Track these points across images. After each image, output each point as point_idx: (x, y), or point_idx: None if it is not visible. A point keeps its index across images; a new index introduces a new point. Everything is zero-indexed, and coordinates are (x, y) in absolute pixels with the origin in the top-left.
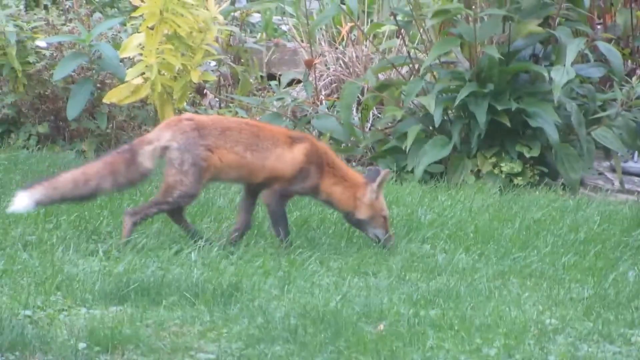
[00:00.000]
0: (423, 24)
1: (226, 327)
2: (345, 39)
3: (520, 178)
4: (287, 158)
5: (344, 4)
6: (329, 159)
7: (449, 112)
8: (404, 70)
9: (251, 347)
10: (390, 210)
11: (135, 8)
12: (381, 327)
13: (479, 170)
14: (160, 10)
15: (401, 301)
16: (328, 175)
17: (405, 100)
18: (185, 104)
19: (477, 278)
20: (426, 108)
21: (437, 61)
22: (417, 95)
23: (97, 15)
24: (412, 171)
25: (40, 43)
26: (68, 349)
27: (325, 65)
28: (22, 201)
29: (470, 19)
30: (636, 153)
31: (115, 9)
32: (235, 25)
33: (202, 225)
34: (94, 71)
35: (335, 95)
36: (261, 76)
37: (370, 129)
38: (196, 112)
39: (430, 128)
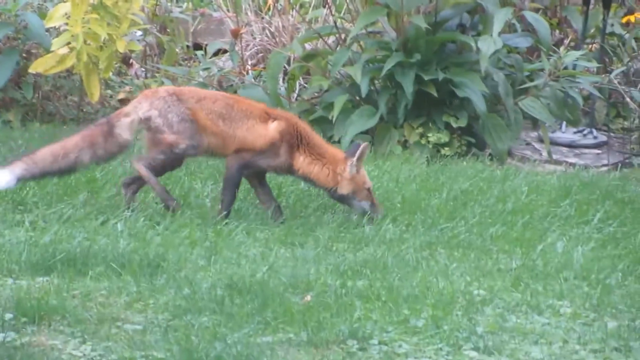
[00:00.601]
0: None
1: (153, 298)
2: (271, 8)
3: (447, 148)
4: (259, 131)
5: None
6: (306, 138)
7: (376, 82)
8: (331, 40)
9: (178, 318)
10: None
11: None
12: (308, 297)
13: (405, 141)
14: None
15: (328, 272)
16: (303, 155)
17: (331, 70)
18: (111, 73)
19: (405, 249)
20: (353, 78)
21: (363, 31)
22: (343, 65)
23: None
24: (339, 141)
25: None
26: None
27: (252, 35)
28: (4, 177)
29: None
30: (564, 123)
31: None
32: None
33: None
34: (19, 41)
35: (262, 65)
36: (187, 46)
37: (296, 99)
38: (122, 82)
39: (357, 98)
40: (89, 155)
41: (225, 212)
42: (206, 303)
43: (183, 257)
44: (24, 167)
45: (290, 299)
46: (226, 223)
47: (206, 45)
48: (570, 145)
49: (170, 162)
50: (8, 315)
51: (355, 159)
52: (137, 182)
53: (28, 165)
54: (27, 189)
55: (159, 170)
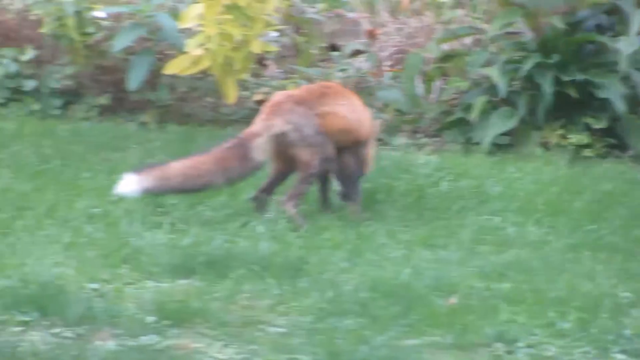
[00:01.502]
0: None
1: (296, 300)
2: (407, 9)
3: (589, 150)
4: (367, 116)
5: None
6: None
7: (514, 83)
8: (468, 40)
9: (321, 321)
10: (458, 182)
11: None
12: (453, 300)
13: (546, 142)
14: None
15: (472, 274)
16: None
17: (469, 71)
18: (246, 75)
19: (549, 251)
20: (491, 79)
21: (501, 31)
22: (481, 66)
23: None
24: (478, 143)
25: (99, 14)
26: (137, 323)
27: (388, 35)
28: (130, 184)
29: None
30: None
31: None
32: None
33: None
34: (153, 42)
35: (399, 67)
36: (323, 47)
37: (435, 101)
38: (258, 83)
39: (496, 99)
40: (221, 179)
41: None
42: (350, 305)
43: (325, 260)
44: (152, 182)
45: (434, 301)
46: (368, 225)
47: (342, 46)
48: None
49: (311, 184)
50: (150, 319)
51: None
52: (265, 194)
53: (158, 179)
54: None
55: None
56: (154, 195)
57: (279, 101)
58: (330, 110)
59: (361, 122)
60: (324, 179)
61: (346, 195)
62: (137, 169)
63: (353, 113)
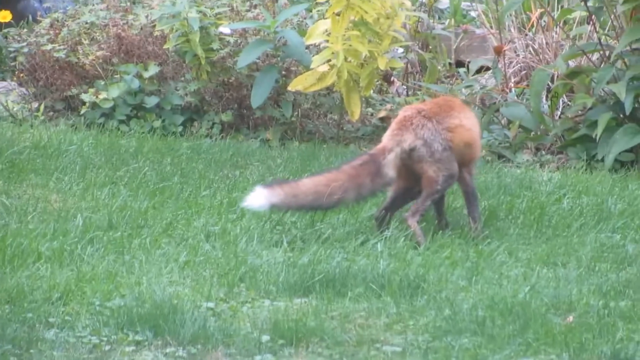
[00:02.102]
0: (614, 10)
1: (413, 319)
2: (534, 25)
3: None
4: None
5: None
6: None
7: None
8: (595, 57)
9: (438, 340)
10: (580, 199)
11: None
12: (570, 318)
13: None
14: None
15: (590, 292)
16: None
17: (595, 87)
18: (371, 91)
19: None
20: (617, 95)
21: (628, 48)
22: (607, 83)
23: (283, 0)
24: (602, 160)
25: (224, 29)
26: (251, 342)
27: (515, 52)
28: (259, 199)
29: None
30: None
31: None
32: (423, 11)
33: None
34: (278, 58)
35: (525, 83)
36: (449, 63)
37: (559, 117)
38: (383, 100)
39: (621, 116)
40: (353, 196)
41: (481, 226)
42: (467, 324)
43: (444, 278)
44: (282, 198)
45: (552, 319)
46: (488, 243)
47: (468, 62)
48: None
49: (434, 201)
50: (265, 338)
51: None
52: (386, 212)
53: (287, 196)
54: None
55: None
56: (281, 211)
57: (408, 116)
58: (459, 124)
59: (479, 138)
60: (441, 197)
61: (472, 214)
62: (268, 183)
63: (476, 127)
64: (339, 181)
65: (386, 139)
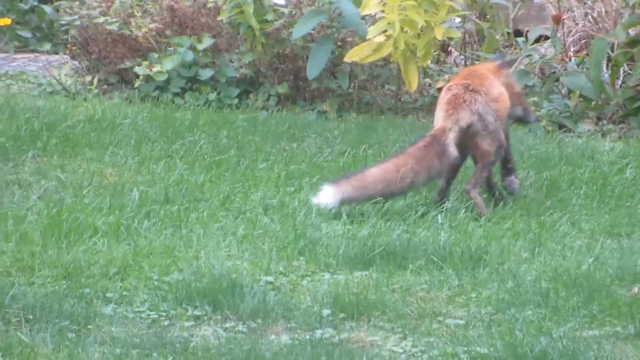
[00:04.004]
0: None
1: (475, 291)
2: None
3: None
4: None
5: None
6: None
7: None
8: None
9: (501, 312)
10: None
11: None
12: (635, 290)
13: None
14: None
15: None
16: None
17: None
18: (429, 61)
19: None
20: None
21: None
22: None
23: None
24: None
25: (279, 1)
26: (312, 316)
27: (574, 20)
28: (327, 197)
29: None
30: None
31: None
32: None
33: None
34: (334, 29)
35: (584, 52)
36: (507, 32)
37: (620, 86)
38: (440, 70)
39: None
40: (423, 178)
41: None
42: (530, 296)
43: (506, 250)
44: (350, 191)
45: (616, 291)
46: (550, 214)
47: (527, 31)
48: None
49: (490, 172)
50: (326, 311)
51: (511, 70)
52: (444, 192)
53: (355, 189)
54: None
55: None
56: (352, 204)
57: (458, 94)
58: (500, 92)
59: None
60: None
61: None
62: (334, 180)
63: (504, 90)
64: (407, 165)
65: (442, 119)
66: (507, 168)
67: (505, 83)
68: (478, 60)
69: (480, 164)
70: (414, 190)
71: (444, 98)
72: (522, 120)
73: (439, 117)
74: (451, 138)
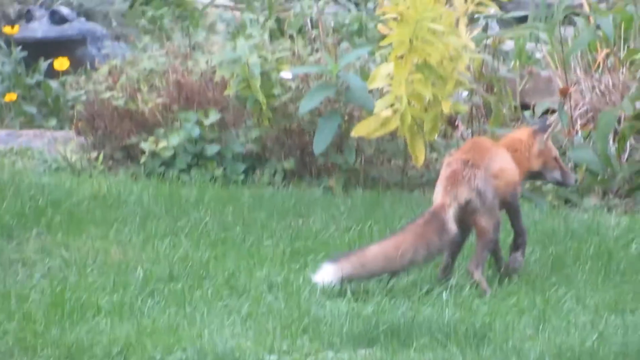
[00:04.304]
0: None
1: None
2: (601, 66)
3: None
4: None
5: (599, 29)
6: None
7: None
8: None
9: None
10: None
11: (383, 37)
12: None
13: None
14: (410, 39)
15: None
16: None
17: None
18: (436, 136)
19: None
20: None
21: None
22: None
23: (345, 44)
24: None
25: (286, 75)
26: None
27: (581, 93)
28: (327, 275)
29: None
30: None
31: (363, 38)
32: (488, 53)
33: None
34: (341, 103)
35: (591, 125)
36: (514, 106)
37: (627, 160)
38: (447, 144)
39: None
40: (423, 255)
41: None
42: None
43: (510, 326)
44: (350, 269)
45: None
46: (555, 290)
47: (534, 104)
48: None
49: (491, 250)
50: None
51: (546, 135)
52: (449, 269)
53: (355, 266)
54: None
55: None
56: (353, 281)
57: (457, 169)
58: (502, 167)
59: (514, 170)
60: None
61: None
62: (334, 257)
63: (510, 164)
64: (407, 242)
65: (440, 195)
66: (517, 243)
67: (540, 150)
68: (485, 134)
69: (480, 241)
70: (415, 267)
71: (443, 173)
72: (561, 184)
73: (438, 193)
74: (450, 214)
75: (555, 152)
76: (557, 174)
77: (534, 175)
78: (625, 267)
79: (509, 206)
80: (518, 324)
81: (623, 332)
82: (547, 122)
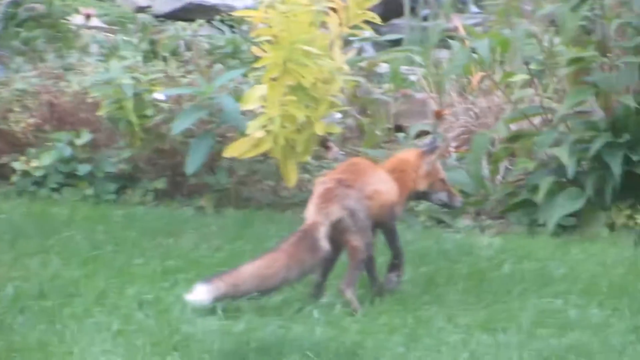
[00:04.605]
0: (557, 73)
1: None
2: (475, 88)
3: None
4: (392, 184)
5: (474, 52)
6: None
7: (583, 163)
8: (537, 120)
9: None
10: (521, 264)
11: (257, 59)
12: None
13: (613, 223)
14: (283, 61)
15: (531, 358)
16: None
17: (537, 151)
18: (308, 157)
19: (611, 333)
20: (559, 159)
21: (571, 111)
22: (550, 146)
23: (218, 66)
24: (544, 224)
25: (159, 96)
26: None
27: (455, 116)
28: (201, 295)
29: (605, 67)
30: None
31: (237, 60)
32: (362, 76)
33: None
34: (214, 124)
35: (465, 147)
36: (388, 128)
37: (501, 182)
38: (320, 166)
39: (564, 180)
40: (296, 273)
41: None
42: None
43: (381, 345)
44: (223, 289)
45: None
46: (427, 309)
47: (408, 127)
48: None
49: (362, 269)
50: None
51: (433, 157)
52: (321, 287)
53: (229, 286)
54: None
55: None
56: (227, 300)
57: (330, 188)
58: (376, 189)
59: (390, 192)
60: (370, 260)
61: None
62: (207, 278)
63: (386, 185)
64: (280, 261)
65: (312, 213)
66: (393, 264)
67: (427, 171)
68: (358, 155)
69: (352, 261)
70: (288, 285)
71: (316, 192)
72: (447, 206)
73: (311, 211)
74: (322, 232)
75: (442, 173)
76: (443, 196)
77: (419, 196)
78: (497, 287)
79: (385, 227)
80: (389, 343)
81: (494, 351)
82: (436, 144)
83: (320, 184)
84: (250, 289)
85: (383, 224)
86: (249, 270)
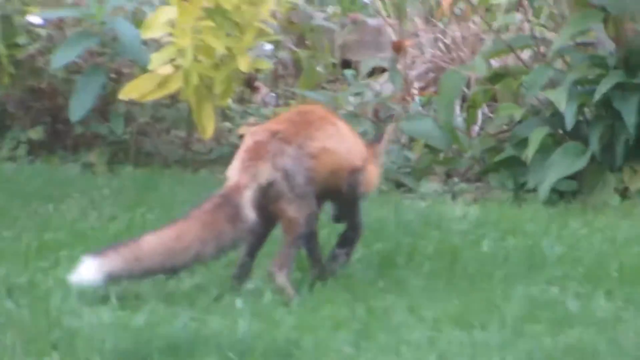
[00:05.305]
0: None
1: None
2: (446, 14)
3: None
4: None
5: None
6: None
7: (586, 110)
8: (526, 54)
9: None
10: (505, 242)
11: None
12: None
13: (625, 188)
14: None
15: None
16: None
17: (526, 94)
18: (230, 100)
19: (622, 331)
20: (554, 105)
21: (570, 42)
22: (542, 88)
23: None
24: (534, 189)
25: (34, 19)
26: None
27: (420, 48)
28: (89, 273)
29: None
30: None
31: None
32: None
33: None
34: (106, 57)
35: (433, 89)
36: (333, 63)
37: (478, 134)
38: (245, 111)
39: (560, 132)
40: (213, 248)
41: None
42: None
43: (323, 344)
44: (120, 264)
45: None
46: (383, 298)
47: (358, 62)
48: None
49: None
50: None
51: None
52: (246, 268)
53: (127, 262)
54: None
55: None
56: (123, 281)
57: (261, 140)
58: (323, 146)
59: (351, 154)
60: (312, 237)
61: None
62: (98, 250)
63: (343, 144)
64: (192, 232)
65: (236, 173)
66: (346, 236)
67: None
68: (294, 99)
69: (287, 237)
70: (202, 263)
71: (243, 145)
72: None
73: (235, 170)
74: (247, 198)
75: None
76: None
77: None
78: (474, 270)
79: (342, 201)
80: (333, 341)
81: (470, 352)
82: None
83: (250, 135)
84: (154, 266)
85: (339, 195)
86: (152, 243)
